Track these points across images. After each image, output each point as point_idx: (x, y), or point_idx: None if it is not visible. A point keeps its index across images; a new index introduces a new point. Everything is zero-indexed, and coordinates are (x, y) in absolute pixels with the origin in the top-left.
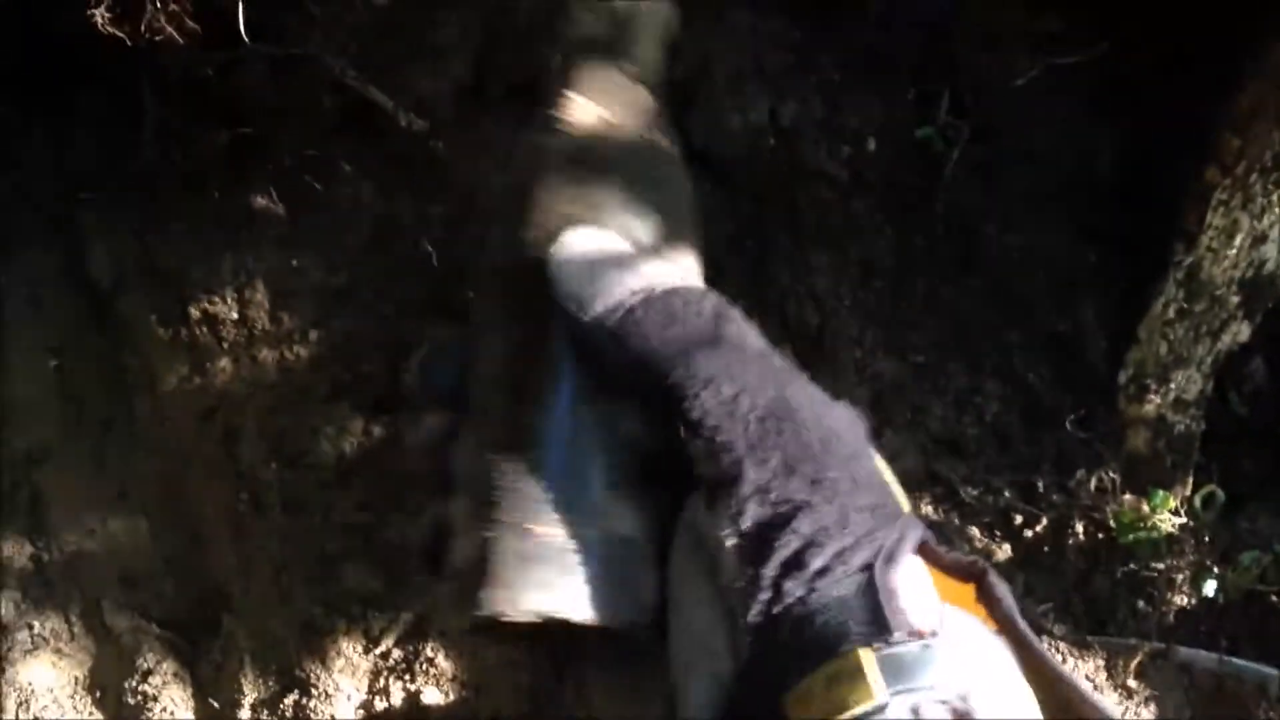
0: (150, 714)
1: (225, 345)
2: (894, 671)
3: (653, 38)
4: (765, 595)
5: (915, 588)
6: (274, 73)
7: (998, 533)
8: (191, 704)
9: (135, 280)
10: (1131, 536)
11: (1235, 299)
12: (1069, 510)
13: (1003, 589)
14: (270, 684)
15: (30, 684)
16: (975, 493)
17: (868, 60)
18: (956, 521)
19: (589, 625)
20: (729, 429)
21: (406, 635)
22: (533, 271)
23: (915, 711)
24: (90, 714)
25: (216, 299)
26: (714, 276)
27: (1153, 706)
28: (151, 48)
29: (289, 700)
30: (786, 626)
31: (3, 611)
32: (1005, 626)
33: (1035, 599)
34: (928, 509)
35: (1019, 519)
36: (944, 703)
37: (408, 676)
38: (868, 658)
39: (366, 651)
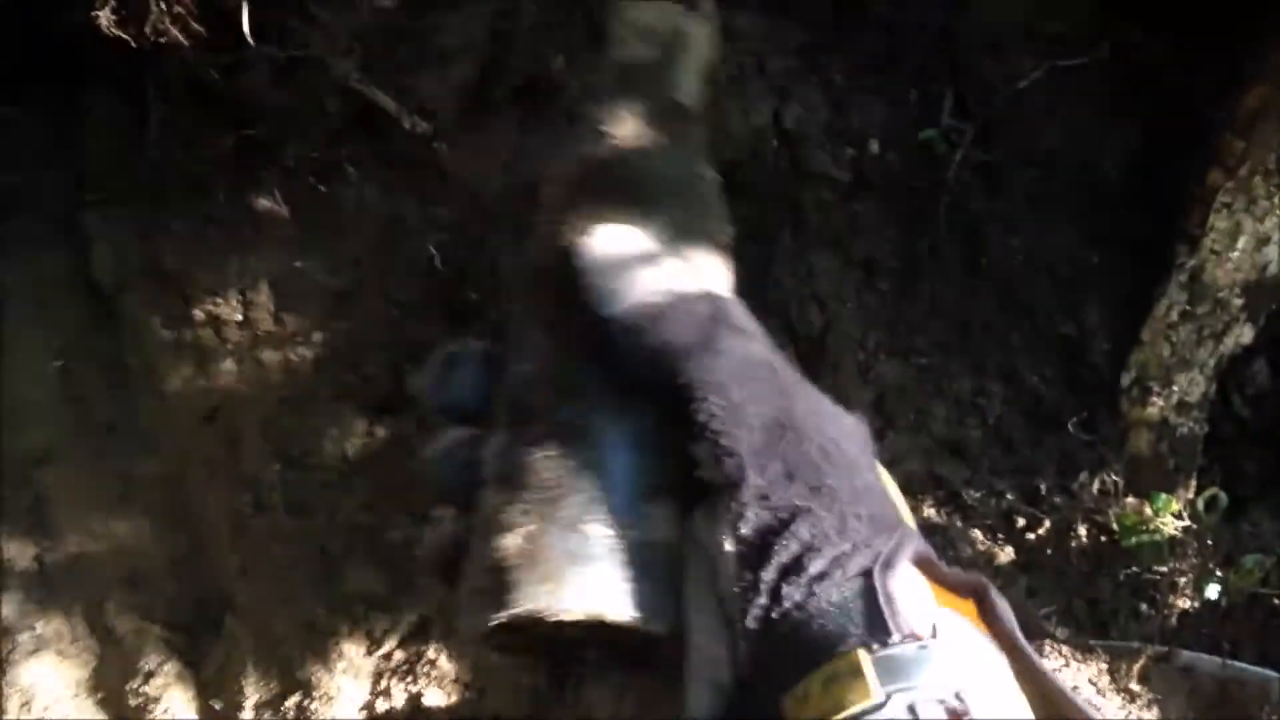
0: (152, 715)
1: (229, 347)
2: (891, 671)
3: (696, 64)
4: (764, 600)
5: (912, 593)
6: (278, 75)
7: (1000, 535)
8: (194, 705)
9: (139, 282)
10: (1134, 539)
11: (1238, 301)
12: (1072, 513)
13: (1004, 606)
14: (272, 685)
15: (32, 685)
16: (978, 495)
17: (871, 62)
18: (959, 524)
19: (629, 628)
20: (734, 434)
21: (409, 637)
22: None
23: (912, 710)
24: (93, 714)
25: (220, 301)
26: None
27: (1155, 710)
28: (156, 50)
29: (291, 701)
30: (785, 631)
31: (5, 612)
32: (1007, 644)
33: (1037, 602)
34: (930, 511)
35: (1021, 521)
36: (940, 702)
37: (410, 678)
38: (865, 658)
39: (369, 653)
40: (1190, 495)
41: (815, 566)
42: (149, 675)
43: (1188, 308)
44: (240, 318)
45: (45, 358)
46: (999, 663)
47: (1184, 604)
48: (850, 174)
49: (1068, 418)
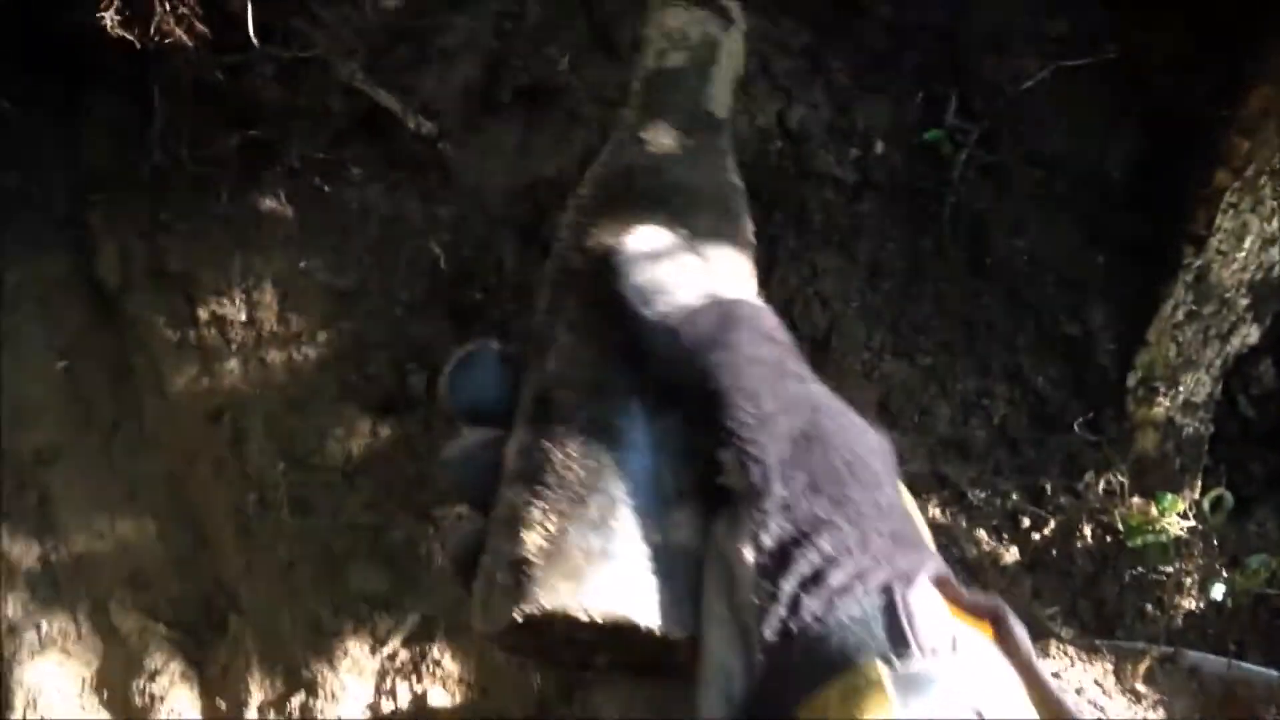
0: (157, 714)
1: (233, 346)
2: (910, 687)
3: (726, 74)
4: (783, 611)
5: (932, 610)
6: (283, 76)
7: (1005, 535)
8: (198, 704)
9: (144, 281)
10: (1140, 540)
11: (1244, 302)
12: (1077, 513)
13: (1020, 630)
14: (277, 684)
15: (37, 684)
16: (983, 495)
17: (876, 63)
18: (964, 524)
19: (646, 633)
20: (762, 443)
21: (413, 636)
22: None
23: None
24: (97, 714)
25: (225, 300)
26: None
27: (1161, 710)
28: (161, 50)
29: (295, 701)
30: (802, 642)
31: (10, 611)
32: (1021, 668)
33: (1042, 602)
34: (935, 512)
35: (1027, 522)
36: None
37: (414, 677)
38: (885, 672)
39: (373, 652)
40: (1196, 495)
41: (836, 579)
42: (154, 674)
43: (1194, 308)
44: (244, 317)
45: (49, 357)
46: (1016, 684)
47: (1189, 604)
48: (855, 174)
49: (1073, 418)
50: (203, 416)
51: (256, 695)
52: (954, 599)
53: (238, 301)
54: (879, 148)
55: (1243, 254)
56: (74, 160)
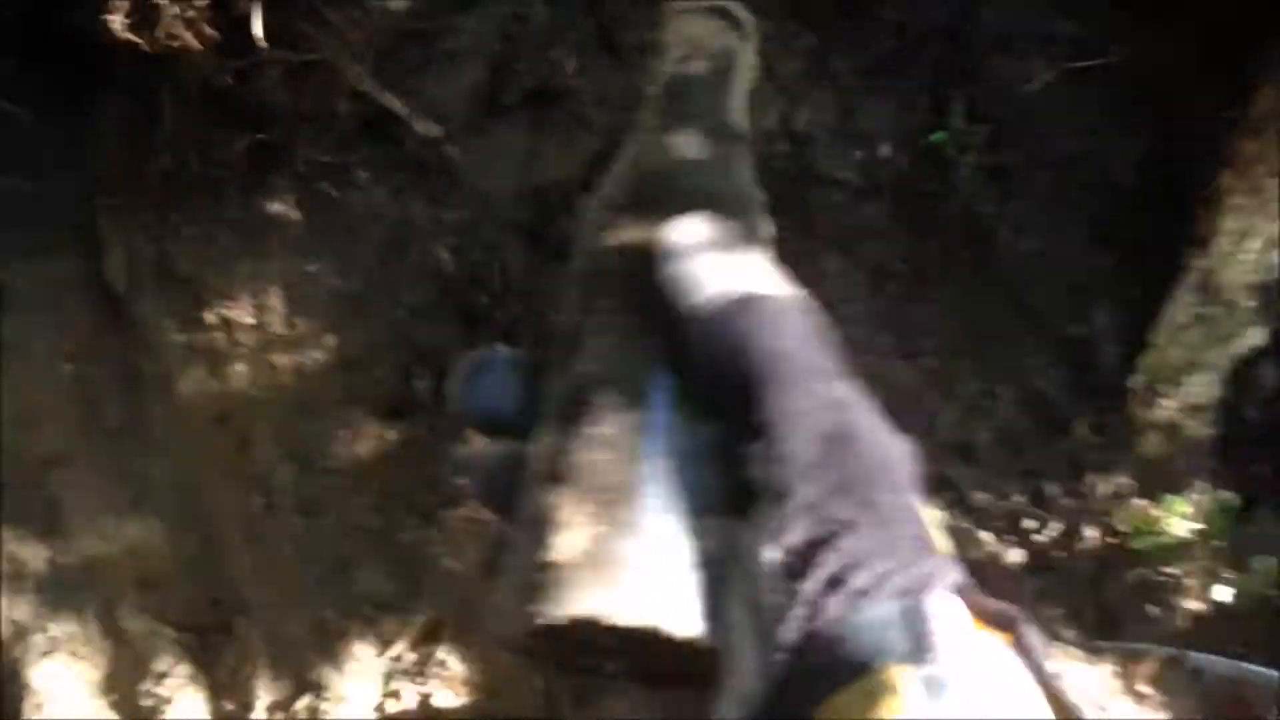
0: (164, 716)
1: (241, 350)
2: (931, 690)
3: (742, 84)
4: (804, 611)
5: (952, 615)
6: (290, 79)
7: (1008, 537)
8: (206, 706)
9: (151, 285)
10: (1143, 541)
11: (1249, 304)
12: (1081, 515)
13: (1037, 639)
14: (284, 686)
15: (45, 686)
16: (986, 497)
17: (881, 65)
18: (967, 526)
19: (676, 642)
20: (793, 440)
21: (420, 638)
22: (650, 263)
23: None
24: (105, 716)
25: (232, 304)
26: None
27: (1165, 713)
28: (169, 54)
29: (302, 703)
30: (822, 644)
31: (18, 615)
32: (1039, 677)
33: (1046, 604)
34: (938, 514)
35: (1030, 524)
36: None
37: (420, 679)
38: (906, 675)
39: (380, 654)
40: (1200, 497)
41: (859, 582)
42: (161, 676)
43: (1199, 310)
44: (252, 321)
45: (56, 361)
46: (1034, 691)
47: (1194, 606)
48: (860, 177)
49: (1077, 420)
50: (210, 420)
51: (264, 697)
52: (973, 606)
53: (245, 305)
54: (884, 150)
55: (1249, 255)
56: (81, 163)
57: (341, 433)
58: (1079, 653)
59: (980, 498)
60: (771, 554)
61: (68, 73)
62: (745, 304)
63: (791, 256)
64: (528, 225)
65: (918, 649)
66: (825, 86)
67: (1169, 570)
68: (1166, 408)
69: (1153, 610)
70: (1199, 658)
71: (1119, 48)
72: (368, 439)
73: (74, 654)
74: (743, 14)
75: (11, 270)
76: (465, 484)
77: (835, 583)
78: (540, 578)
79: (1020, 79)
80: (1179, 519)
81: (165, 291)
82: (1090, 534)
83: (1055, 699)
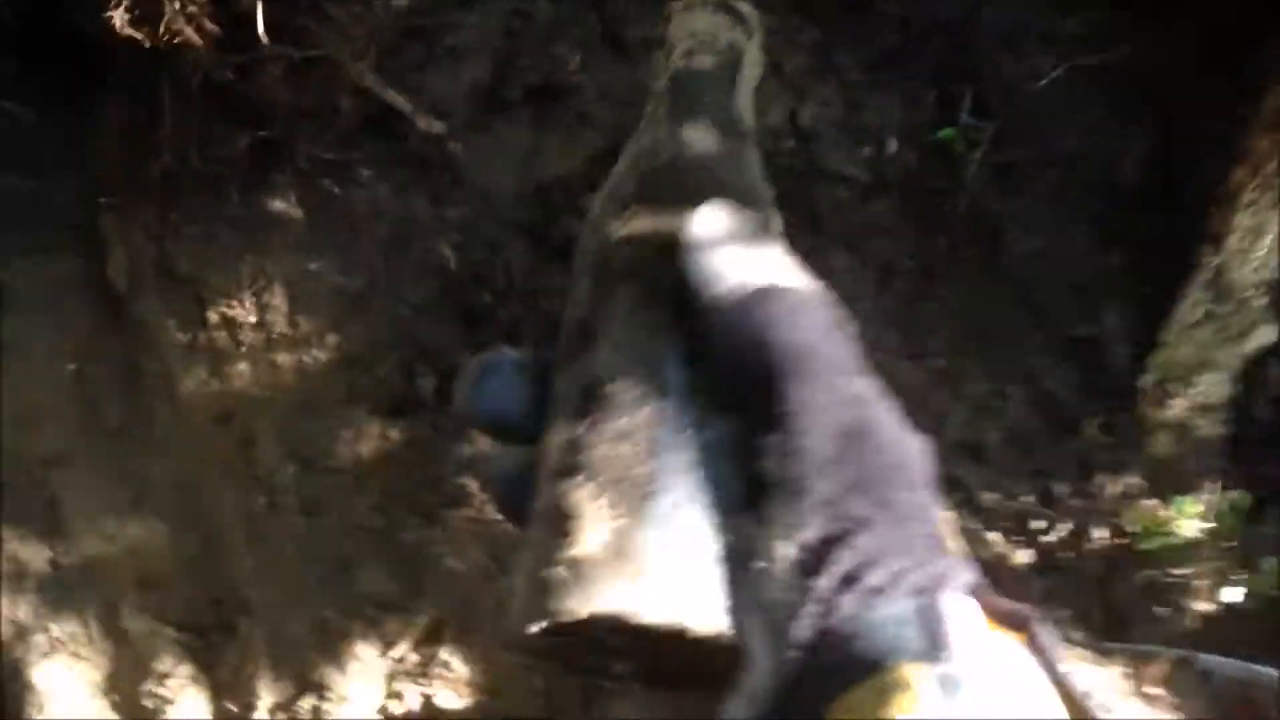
0: (166, 717)
1: (243, 349)
2: (947, 689)
3: (749, 82)
4: (817, 609)
5: (968, 615)
6: (292, 75)
7: (1017, 538)
8: (208, 707)
9: (153, 284)
10: (1153, 542)
11: (1262, 302)
12: (1090, 515)
13: (1051, 639)
14: (286, 687)
15: (47, 687)
16: (995, 497)
17: (888, 61)
18: (975, 527)
19: (709, 641)
20: (811, 434)
21: (423, 639)
22: (665, 255)
23: None
24: (107, 717)
25: (234, 303)
26: None
27: (1175, 714)
28: (170, 50)
29: (305, 703)
30: (835, 641)
31: (19, 615)
32: (1054, 678)
33: (1055, 605)
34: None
35: (1039, 524)
36: None
37: (423, 680)
38: (921, 673)
39: (382, 655)
40: (1211, 497)
41: (874, 580)
42: (163, 677)
43: (1211, 308)
44: (254, 320)
45: (57, 360)
46: (1049, 691)
47: (1203, 607)
48: (867, 173)
49: (1086, 420)
50: (212, 419)
51: (266, 698)
52: (986, 606)
53: (247, 304)
54: (891, 146)
55: (1261, 253)
56: (81, 162)
57: (344, 432)
58: (1088, 654)
59: (988, 498)
60: (786, 550)
61: (68, 72)
62: (766, 295)
63: (798, 254)
64: (531, 223)
65: (932, 647)
66: (831, 82)
67: (1178, 571)
68: (1176, 407)
69: (1162, 611)
70: (1208, 659)
71: (1123, 44)
72: (370, 438)
73: (75, 654)
74: (747, 9)
75: (12, 269)
76: (486, 491)
77: (850, 580)
78: (558, 573)
79: (1026, 76)
80: (1188, 519)
81: (166, 290)
82: (1099, 534)
83: (1069, 699)
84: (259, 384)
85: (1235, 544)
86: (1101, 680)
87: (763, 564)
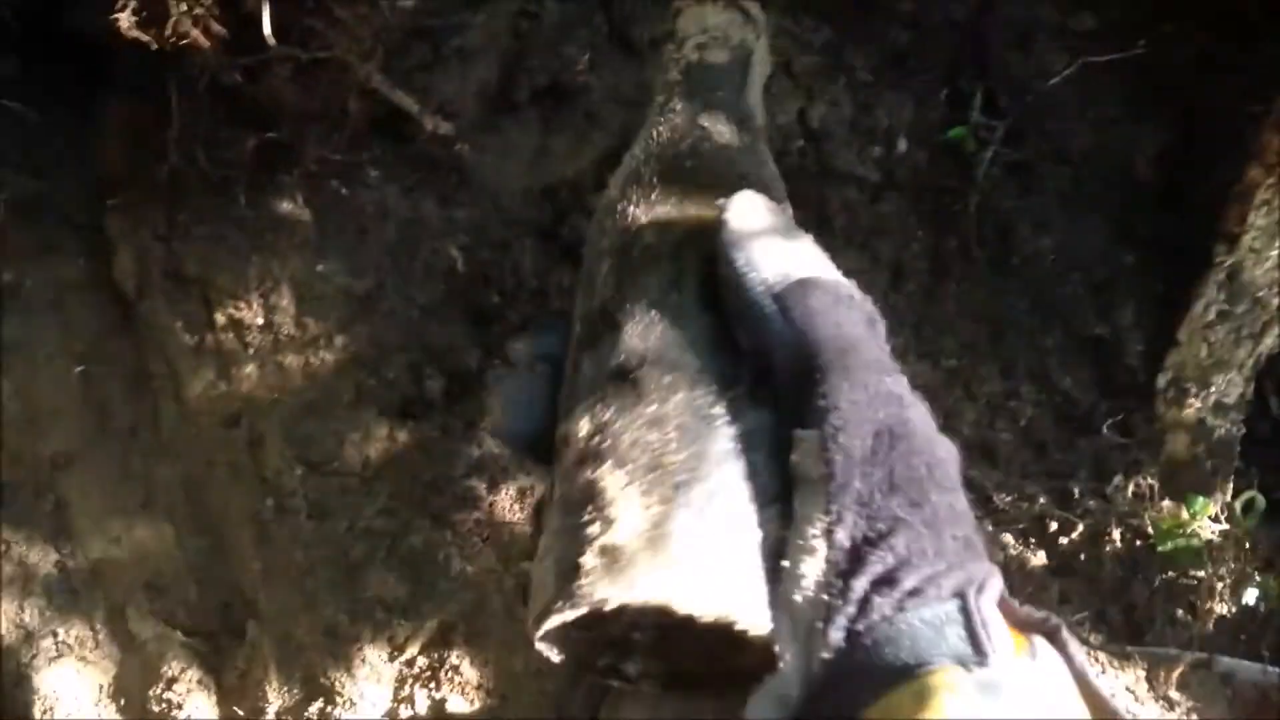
0: None
1: (250, 351)
2: (986, 692)
3: (759, 80)
4: (852, 610)
5: (999, 619)
6: (300, 77)
7: (1032, 540)
8: (216, 711)
9: (161, 285)
10: (1170, 544)
11: (1277, 301)
12: (1106, 517)
13: (1076, 646)
14: (295, 691)
15: (54, 691)
16: (1009, 499)
17: (898, 60)
18: (990, 528)
19: (752, 636)
20: (850, 431)
21: (432, 642)
22: (697, 241)
23: None
24: None
25: (242, 304)
26: None
27: (1195, 718)
28: (177, 52)
29: (314, 708)
30: (870, 644)
31: (27, 618)
32: (1079, 684)
33: (1071, 608)
34: None
35: (1054, 526)
36: None
37: (433, 684)
38: (961, 676)
39: (391, 659)
40: (1228, 498)
41: (909, 582)
42: (171, 681)
43: (1226, 307)
44: (261, 321)
45: (66, 362)
46: (1077, 696)
47: (1221, 609)
48: (878, 173)
49: (1101, 420)
50: (220, 421)
51: (275, 702)
52: (1012, 617)
53: (255, 305)
54: (902, 146)
55: (1276, 252)
56: (89, 163)
57: (352, 434)
58: (1107, 658)
59: (1003, 500)
60: (820, 549)
61: (72, 72)
62: (808, 288)
63: None
64: (539, 223)
65: (971, 651)
66: (841, 81)
67: (1196, 573)
68: (1192, 407)
69: (1180, 614)
70: (1229, 662)
71: (1139, 41)
72: (378, 440)
73: (83, 658)
74: (755, 9)
75: (18, 270)
76: (494, 415)
77: (886, 582)
78: (590, 560)
79: (1040, 73)
80: (1206, 520)
81: (174, 292)
82: (1116, 536)
83: (1098, 706)
84: (266, 386)
85: (1253, 545)
86: (1121, 684)
87: (796, 562)
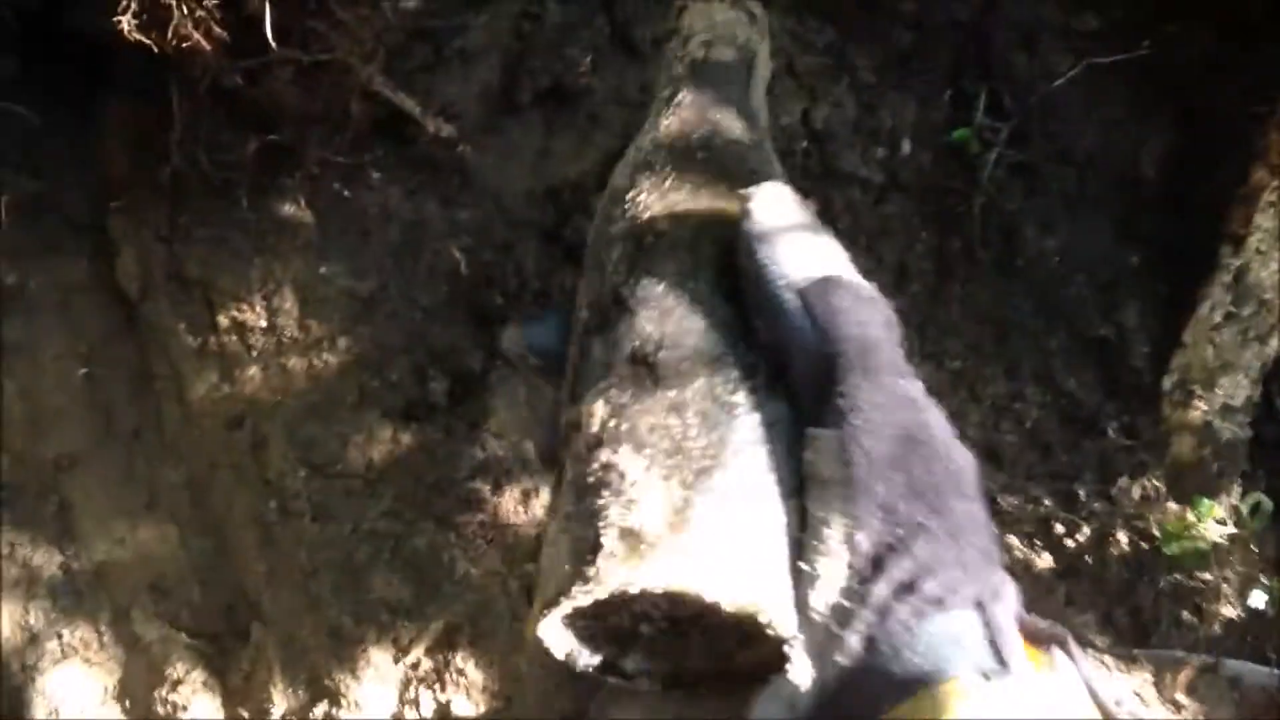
0: None
1: (254, 353)
2: (1005, 699)
3: (762, 80)
4: (871, 616)
5: (1015, 629)
6: (302, 79)
7: (1038, 542)
8: (220, 713)
9: (164, 288)
10: (1176, 546)
11: None
12: (1111, 519)
13: (1083, 658)
14: (299, 693)
15: (59, 692)
16: (1014, 501)
17: (902, 61)
18: (995, 531)
19: (774, 633)
20: (871, 433)
21: (436, 644)
22: (715, 231)
23: None
24: None
25: (245, 306)
26: None
27: None
28: (179, 54)
29: (319, 710)
30: (889, 650)
31: (32, 620)
32: (1092, 694)
33: (1076, 610)
34: None
35: (1060, 528)
36: None
37: (438, 686)
38: (981, 685)
39: (396, 660)
40: (1234, 501)
41: (929, 589)
42: (176, 683)
43: (1231, 309)
44: (264, 323)
45: (70, 364)
46: (1093, 707)
47: (1228, 612)
48: (881, 174)
49: (1107, 422)
50: (223, 423)
51: (279, 704)
52: (1020, 627)
53: (258, 307)
54: (906, 147)
55: None
56: (93, 166)
57: (355, 436)
58: (1113, 660)
59: (1008, 502)
60: (841, 553)
61: (73, 73)
62: (831, 286)
63: None
64: (542, 224)
65: (990, 660)
66: (845, 82)
67: (1202, 575)
68: (1198, 409)
69: (1187, 616)
70: (1236, 665)
71: (1144, 42)
72: (381, 442)
73: (87, 660)
74: (759, 10)
75: (22, 272)
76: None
77: (907, 589)
78: (608, 543)
79: (1044, 75)
80: (1213, 523)
81: (177, 294)
82: (1122, 539)
83: (1106, 713)
84: (270, 388)
85: (1260, 548)
86: (1128, 688)
87: (813, 564)
